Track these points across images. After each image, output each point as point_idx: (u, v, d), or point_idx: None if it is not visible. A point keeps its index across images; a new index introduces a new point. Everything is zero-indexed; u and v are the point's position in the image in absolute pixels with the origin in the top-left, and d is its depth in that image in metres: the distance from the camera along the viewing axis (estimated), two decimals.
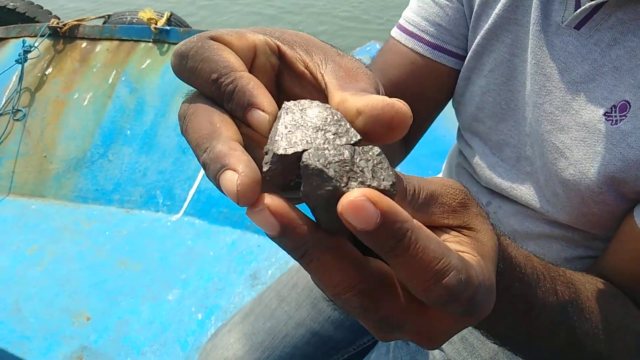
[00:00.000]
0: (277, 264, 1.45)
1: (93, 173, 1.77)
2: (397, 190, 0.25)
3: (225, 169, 0.23)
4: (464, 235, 0.29)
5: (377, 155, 0.25)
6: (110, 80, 1.87)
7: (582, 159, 0.53)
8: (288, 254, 0.24)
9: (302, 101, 0.26)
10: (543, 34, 0.55)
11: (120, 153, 1.78)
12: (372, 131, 0.26)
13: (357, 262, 0.25)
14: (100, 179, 1.76)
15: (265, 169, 0.24)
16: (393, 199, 0.23)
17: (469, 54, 0.63)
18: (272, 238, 0.23)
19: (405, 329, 0.27)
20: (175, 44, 1.82)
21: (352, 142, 0.25)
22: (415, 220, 0.24)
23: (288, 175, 0.25)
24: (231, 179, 0.23)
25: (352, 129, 0.26)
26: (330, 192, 0.23)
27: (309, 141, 0.25)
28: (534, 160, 0.60)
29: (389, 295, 0.26)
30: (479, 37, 0.61)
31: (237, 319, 0.81)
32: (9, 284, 1.48)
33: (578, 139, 0.53)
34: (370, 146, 0.25)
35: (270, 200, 0.23)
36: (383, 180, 0.24)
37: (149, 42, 1.89)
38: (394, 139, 0.27)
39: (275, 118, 0.26)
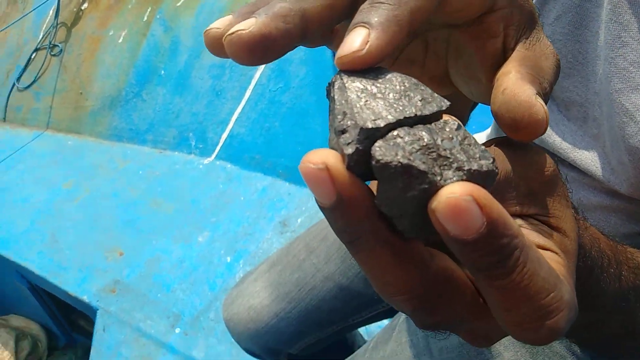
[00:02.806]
0: (307, 213, 1.45)
1: (127, 112, 1.78)
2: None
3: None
4: (544, 223, 0.24)
5: (457, 129, 0.20)
6: (145, 18, 1.84)
7: None
8: (334, 232, 0.19)
9: (361, 71, 0.21)
10: None
11: (154, 93, 1.77)
12: (498, 118, 0.22)
13: (419, 263, 0.20)
14: (135, 118, 1.76)
15: (349, 150, 0.18)
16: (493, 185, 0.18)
17: None
18: (322, 207, 0.19)
19: (459, 330, 0.23)
20: None
21: (443, 108, 0.20)
22: (526, 238, 0.19)
23: (369, 161, 0.19)
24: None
25: (436, 94, 0.21)
26: (424, 191, 0.18)
27: (398, 110, 0.19)
28: (601, 122, 0.53)
29: (451, 302, 0.21)
30: None
31: (264, 268, 0.81)
32: (46, 216, 1.53)
33: None
34: (443, 120, 0.20)
35: (333, 160, 0.18)
36: (480, 160, 0.19)
37: None
38: (515, 138, 0.22)
39: None
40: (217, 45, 0.22)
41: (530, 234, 0.23)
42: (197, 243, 1.40)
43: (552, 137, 0.57)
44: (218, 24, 0.22)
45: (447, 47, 0.28)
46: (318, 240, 0.77)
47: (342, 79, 0.20)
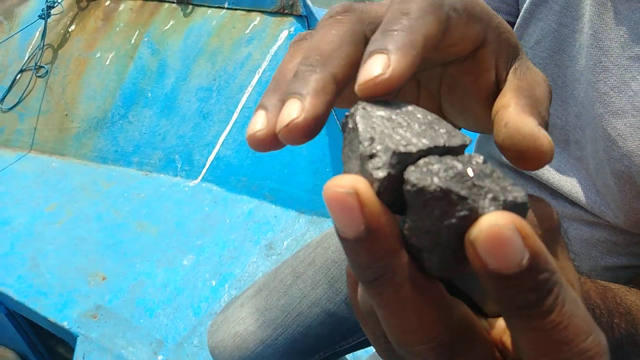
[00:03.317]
0: (294, 236, 1.44)
1: (113, 134, 1.76)
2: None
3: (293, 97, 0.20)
4: None
5: (484, 163, 0.19)
6: (133, 41, 1.84)
7: (637, 150, 0.46)
8: (355, 270, 0.18)
9: (381, 101, 0.20)
10: None
11: (141, 115, 1.76)
12: (504, 150, 0.22)
13: (445, 306, 0.19)
14: (120, 140, 1.75)
15: (381, 175, 0.17)
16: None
17: (517, 22, 0.55)
18: (344, 241, 0.17)
19: None
20: (200, 5, 1.79)
21: (467, 143, 0.20)
22: (561, 274, 0.18)
23: (397, 190, 0.18)
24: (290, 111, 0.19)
25: (456, 129, 0.20)
26: (463, 219, 0.17)
27: (429, 137, 0.19)
28: (584, 145, 0.53)
29: (475, 352, 0.20)
30: (527, 2, 0.53)
31: (250, 293, 0.79)
32: (27, 239, 1.49)
33: (634, 126, 0.46)
34: (468, 154, 0.19)
35: (363, 185, 0.17)
36: (514, 192, 0.18)
37: (173, 2, 1.85)
38: (522, 168, 0.22)
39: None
40: (266, 144, 0.21)
41: None
42: (181, 267, 1.38)
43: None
44: (259, 125, 0.21)
45: (440, 84, 0.28)
46: (305, 265, 0.77)
47: (364, 109, 0.19)
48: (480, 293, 0.23)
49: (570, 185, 0.55)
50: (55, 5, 1.91)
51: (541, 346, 0.17)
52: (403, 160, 0.18)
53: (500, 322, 0.22)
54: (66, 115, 1.82)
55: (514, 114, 0.22)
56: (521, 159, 0.22)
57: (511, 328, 0.18)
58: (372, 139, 0.18)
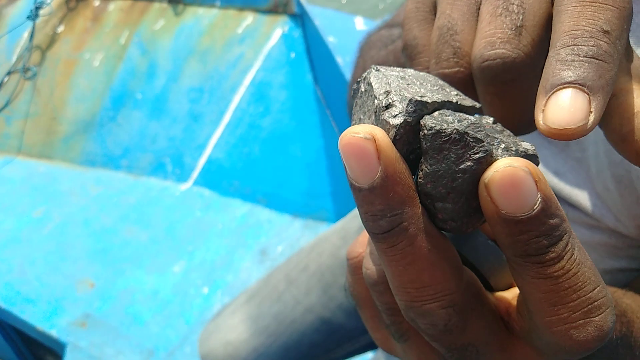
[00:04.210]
0: (288, 240, 1.42)
1: (102, 137, 1.74)
2: None
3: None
4: None
5: (494, 123, 0.19)
6: (123, 41, 1.82)
7: None
8: (367, 223, 0.17)
9: (392, 67, 0.21)
10: None
11: (130, 117, 1.73)
12: (628, 142, 0.20)
13: (457, 263, 0.19)
14: (109, 143, 1.72)
15: (397, 122, 0.18)
16: None
17: None
18: (358, 190, 0.17)
19: None
20: (191, 4, 1.76)
21: (477, 106, 0.21)
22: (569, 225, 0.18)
23: (412, 141, 0.18)
24: None
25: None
26: (478, 162, 0.17)
27: (442, 94, 0.19)
28: (585, 147, 0.51)
29: (483, 317, 0.20)
30: None
31: (242, 300, 0.77)
32: (14, 246, 1.46)
33: None
34: (479, 115, 0.20)
35: (380, 133, 0.17)
36: (525, 144, 0.19)
37: (163, 2, 1.82)
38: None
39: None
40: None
41: None
42: (172, 273, 1.35)
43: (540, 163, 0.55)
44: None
45: None
46: (298, 270, 0.74)
47: (378, 70, 0.20)
48: (488, 266, 0.23)
49: (569, 188, 0.53)
50: (44, 6, 1.88)
51: (550, 294, 0.17)
52: (419, 109, 0.18)
53: (505, 295, 0.22)
54: (54, 118, 1.79)
55: None
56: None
57: (520, 278, 0.18)
58: (387, 92, 0.19)
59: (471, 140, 0.17)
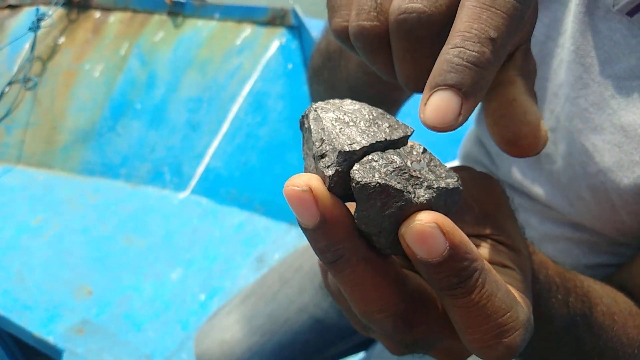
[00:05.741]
0: (285, 248, 1.42)
1: (101, 146, 1.75)
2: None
3: None
4: (499, 242, 0.25)
5: (423, 152, 0.22)
6: (123, 53, 1.84)
7: (614, 167, 0.46)
8: (317, 254, 0.20)
9: (332, 101, 0.23)
10: (587, 16, 0.46)
11: (129, 127, 1.75)
12: (497, 126, 0.23)
13: (397, 279, 0.21)
14: (108, 153, 1.74)
15: (330, 172, 0.20)
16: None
17: None
18: (305, 230, 0.20)
19: (434, 350, 0.24)
20: (190, 17, 1.79)
21: (408, 134, 0.22)
22: (485, 261, 0.20)
23: (347, 183, 0.21)
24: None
25: (401, 122, 0.23)
26: (400, 208, 0.20)
27: (372, 134, 0.21)
28: (555, 159, 0.53)
29: (427, 318, 0.22)
30: None
31: (237, 301, 0.78)
32: (13, 253, 1.47)
33: (612, 143, 0.46)
34: (409, 145, 0.22)
35: (316, 183, 0.19)
36: (447, 179, 0.21)
37: (163, 14, 1.85)
38: (509, 151, 0.23)
39: None
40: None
41: (488, 252, 0.25)
42: (169, 280, 1.36)
43: (514, 173, 0.57)
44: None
45: None
46: (292, 270, 0.76)
47: (316, 111, 0.22)
48: None
49: (545, 194, 0.55)
50: (46, 18, 1.91)
51: (465, 320, 0.20)
52: (349, 157, 0.20)
53: None
54: (54, 127, 1.81)
55: (522, 94, 0.23)
56: (514, 143, 0.23)
57: (443, 303, 0.21)
58: (322, 140, 0.21)
59: (392, 191, 0.19)
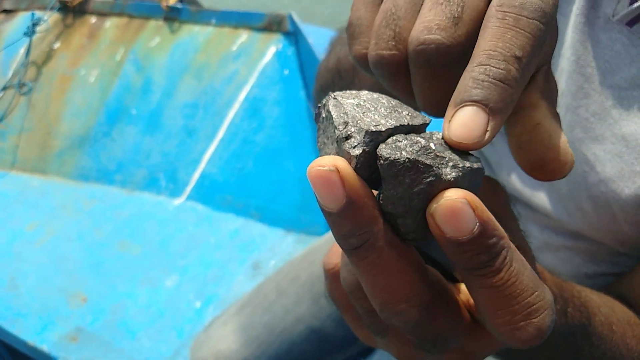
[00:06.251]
0: (280, 255, 1.42)
1: (96, 152, 1.74)
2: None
3: None
4: None
5: (443, 138, 0.21)
6: (118, 58, 1.83)
7: (615, 177, 0.47)
8: (340, 240, 0.20)
9: (349, 91, 0.23)
10: (587, 27, 0.47)
11: (125, 132, 1.74)
12: (522, 151, 0.23)
13: (421, 268, 0.21)
14: (103, 158, 1.73)
15: (357, 152, 0.20)
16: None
17: None
18: (328, 214, 0.19)
19: (450, 348, 0.23)
20: (187, 22, 1.78)
21: (427, 122, 0.22)
22: (510, 241, 0.20)
23: (372, 166, 0.21)
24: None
25: (416, 111, 0.23)
26: (430, 184, 0.19)
27: (395, 118, 0.21)
28: None
29: (447, 309, 0.22)
30: None
31: (232, 311, 0.77)
32: (6, 260, 1.45)
33: (613, 153, 0.46)
34: (429, 132, 0.22)
35: (342, 163, 0.19)
36: (470, 160, 0.21)
37: (159, 19, 1.85)
38: (534, 175, 0.23)
39: None
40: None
41: None
42: (164, 287, 1.35)
43: (514, 183, 0.58)
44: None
45: None
46: (289, 280, 0.75)
47: (335, 99, 0.22)
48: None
49: (545, 204, 0.55)
50: (41, 22, 1.90)
51: (493, 301, 0.20)
52: (375, 138, 0.20)
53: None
54: (49, 133, 1.80)
55: (546, 117, 0.23)
56: (539, 167, 0.23)
57: (469, 287, 0.21)
58: (346, 123, 0.21)
59: (422, 166, 0.19)
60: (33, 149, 1.78)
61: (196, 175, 1.62)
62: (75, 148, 1.76)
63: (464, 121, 0.20)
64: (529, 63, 0.21)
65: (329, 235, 0.78)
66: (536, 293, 0.20)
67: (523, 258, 0.21)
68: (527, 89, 0.24)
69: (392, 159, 0.19)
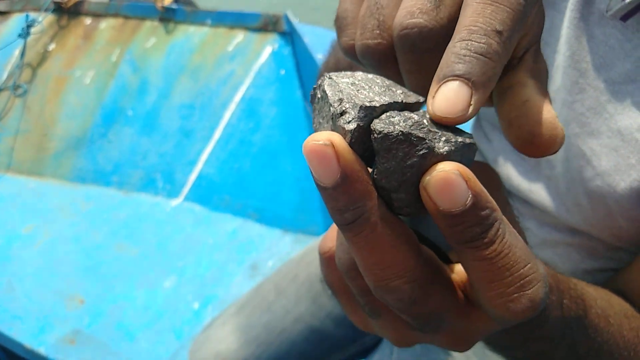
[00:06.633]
0: (278, 255, 1.42)
1: (92, 153, 1.73)
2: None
3: None
4: None
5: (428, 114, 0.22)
6: (114, 59, 1.83)
7: (611, 171, 0.47)
8: (334, 216, 0.20)
9: (344, 72, 0.23)
10: (582, 22, 0.47)
11: (121, 134, 1.74)
12: (512, 127, 0.23)
13: (414, 242, 0.21)
14: (100, 160, 1.72)
15: (352, 127, 0.20)
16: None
17: None
18: (324, 189, 0.19)
19: (444, 329, 0.23)
20: (182, 23, 1.78)
21: (421, 100, 0.23)
22: (500, 212, 0.20)
23: (366, 141, 0.21)
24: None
25: (410, 91, 0.23)
26: (423, 157, 0.20)
27: (388, 96, 0.21)
28: (554, 164, 0.54)
29: (440, 287, 0.22)
30: None
31: (232, 311, 0.77)
32: (3, 262, 1.45)
33: (609, 147, 0.47)
34: (423, 110, 0.22)
35: (337, 138, 0.19)
36: (463, 135, 0.21)
37: (155, 20, 1.84)
38: (525, 151, 0.23)
39: None
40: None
41: None
42: (162, 289, 1.35)
43: (512, 179, 0.58)
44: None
45: None
46: (288, 280, 0.75)
47: (330, 78, 0.22)
48: (445, 241, 0.26)
49: (544, 200, 0.56)
50: (36, 24, 1.89)
51: (487, 273, 0.20)
52: (369, 113, 0.20)
53: (461, 267, 0.25)
54: (45, 134, 1.79)
55: (534, 94, 0.23)
56: (531, 143, 0.23)
57: (462, 260, 0.21)
58: (340, 100, 0.21)
59: (415, 139, 0.20)
60: (29, 151, 1.78)
61: (193, 176, 1.62)
62: (72, 149, 1.76)
63: (447, 96, 0.20)
64: (511, 37, 0.21)
65: None
66: (529, 265, 0.20)
67: (515, 231, 0.21)
68: (516, 69, 0.25)
69: (385, 132, 0.20)
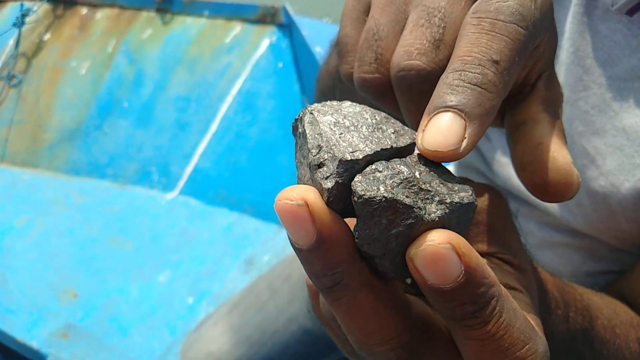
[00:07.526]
0: (274, 250, 1.41)
1: (87, 145, 1.72)
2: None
3: None
4: (505, 262, 0.23)
5: (432, 162, 0.19)
6: (110, 50, 1.81)
7: (615, 170, 0.46)
8: (312, 279, 0.18)
9: (330, 102, 0.20)
10: (586, 17, 0.46)
11: (116, 126, 1.72)
12: (525, 172, 0.21)
13: (401, 307, 0.19)
14: (95, 152, 1.71)
15: (329, 185, 0.18)
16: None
17: None
18: (299, 251, 0.17)
19: None
20: (179, 14, 1.76)
21: (415, 139, 0.20)
22: (502, 287, 0.18)
23: (347, 197, 0.18)
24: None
25: (406, 126, 0.20)
26: (409, 227, 0.17)
27: (376, 139, 0.19)
28: None
29: (433, 348, 0.20)
30: None
31: (224, 310, 0.76)
32: None
33: (614, 146, 0.46)
34: (417, 153, 0.19)
35: (313, 196, 0.17)
36: (460, 192, 0.18)
37: (152, 11, 1.82)
38: (540, 197, 0.22)
39: None
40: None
41: (495, 273, 0.22)
42: (157, 283, 1.34)
43: (512, 179, 0.56)
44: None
45: None
46: (281, 279, 0.74)
47: (312, 114, 0.19)
48: None
49: (544, 202, 0.54)
50: (31, 13, 1.87)
51: (479, 354, 0.18)
52: (350, 167, 0.18)
53: None
54: (39, 126, 1.78)
55: (548, 135, 0.22)
56: (544, 189, 0.21)
57: (453, 335, 0.19)
58: (319, 147, 0.18)
59: (400, 207, 0.17)
60: (23, 142, 1.76)
61: (189, 170, 1.61)
62: (66, 141, 1.74)
63: (438, 128, 0.18)
64: (510, 67, 0.20)
65: None
66: (527, 347, 0.18)
67: (516, 305, 0.19)
68: (528, 99, 0.23)
69: (366, 197, 0.17)
